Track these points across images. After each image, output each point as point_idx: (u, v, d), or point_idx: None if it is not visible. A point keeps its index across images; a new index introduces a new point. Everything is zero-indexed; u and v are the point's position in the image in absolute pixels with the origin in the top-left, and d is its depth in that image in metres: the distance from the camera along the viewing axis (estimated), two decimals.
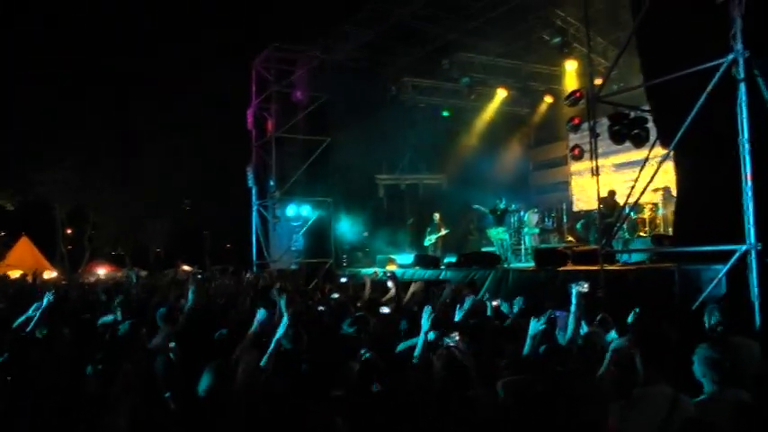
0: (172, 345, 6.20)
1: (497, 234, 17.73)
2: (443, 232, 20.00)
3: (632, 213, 15.22)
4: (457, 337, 4.45)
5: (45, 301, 6.46)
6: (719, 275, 8.04)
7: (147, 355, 5.79)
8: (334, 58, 21.37)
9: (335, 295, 10.51)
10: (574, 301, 5.96)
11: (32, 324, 6.33)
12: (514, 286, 12.99)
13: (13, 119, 32.15)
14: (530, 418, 4.05)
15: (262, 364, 4.96)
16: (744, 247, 7.79)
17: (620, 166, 20.19)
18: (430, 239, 20.01)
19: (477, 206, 19.00)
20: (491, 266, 15.63)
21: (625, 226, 15.07)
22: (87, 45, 33.83)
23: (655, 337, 4.37)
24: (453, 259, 17.70)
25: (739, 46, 8.01)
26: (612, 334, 6.14)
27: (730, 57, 8.08)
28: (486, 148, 23.76)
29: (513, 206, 18.20)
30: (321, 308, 8.79)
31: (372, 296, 9.96)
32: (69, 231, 39.00)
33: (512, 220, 17.76)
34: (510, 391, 4.22)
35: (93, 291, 13.50)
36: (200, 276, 16.65)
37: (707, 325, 5.53)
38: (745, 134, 7.92)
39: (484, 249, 19.13)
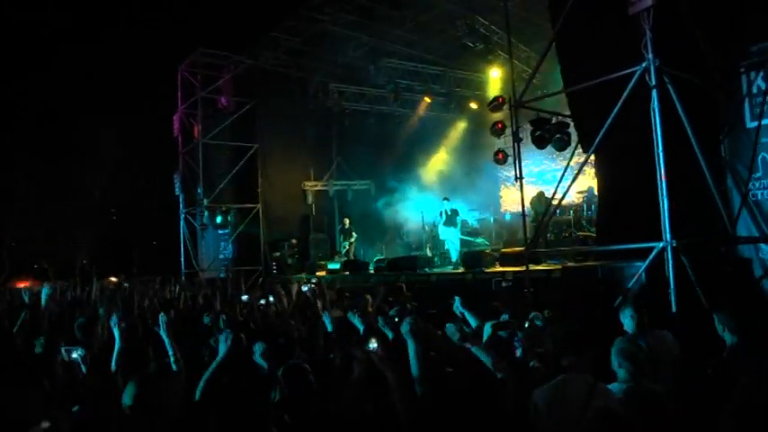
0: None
1: (449, 235, 17.55)
2: (353, 237, 20.19)
3: (558, 213, 15.64)
4: (375, 344, 4.53)
5: None
6: (639, 271, 8.42)
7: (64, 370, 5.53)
8: (260, 64, 21.34)
9: (263, 301, 10.51)
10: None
11: None
12: (441, 289, 13.21)
13: None
14: (448, 413, 4.15)
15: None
16: (661, 244, 8.19)
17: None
18: (344, 245, 20.16)
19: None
20: (420, 270, 15.92)
21: (550, 227, 15.53)
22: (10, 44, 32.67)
23: (572, 331, 4.60)
24: (382, 264, 17.89)
25: (650, 55, 8.44)
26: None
27: (643, 65, 8.50)
28: (413, 154, 24.04)
29: (459, 207, 18.18)
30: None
31: (298, 303, 10.00)
32: None
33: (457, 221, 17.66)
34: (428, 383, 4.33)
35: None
36: (126, 286, 16.33)
37: (625, 320, 5.80)
38: (659, 137, 8.34)
39: (412, 254, 19.38)
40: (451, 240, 17.46)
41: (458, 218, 17.48)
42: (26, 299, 9.87)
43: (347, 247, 20.14)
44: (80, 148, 33.17)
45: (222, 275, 21.88)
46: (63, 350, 4.92)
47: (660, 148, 8.31)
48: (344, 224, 20.46)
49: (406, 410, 3.99)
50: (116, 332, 5.38)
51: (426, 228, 19.36)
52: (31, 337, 6.58)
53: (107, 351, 5.95)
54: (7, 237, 35.60)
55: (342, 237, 20.25)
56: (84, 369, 5.39)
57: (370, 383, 4.63)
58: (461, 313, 6.69)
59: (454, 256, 17.14)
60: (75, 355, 4.96)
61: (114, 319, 5.66)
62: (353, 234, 20.18)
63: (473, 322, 6.43)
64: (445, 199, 17.73)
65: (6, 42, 31.94)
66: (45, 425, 4.24)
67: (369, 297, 9.86)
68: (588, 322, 5.82)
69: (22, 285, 29.55)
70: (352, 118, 23.86)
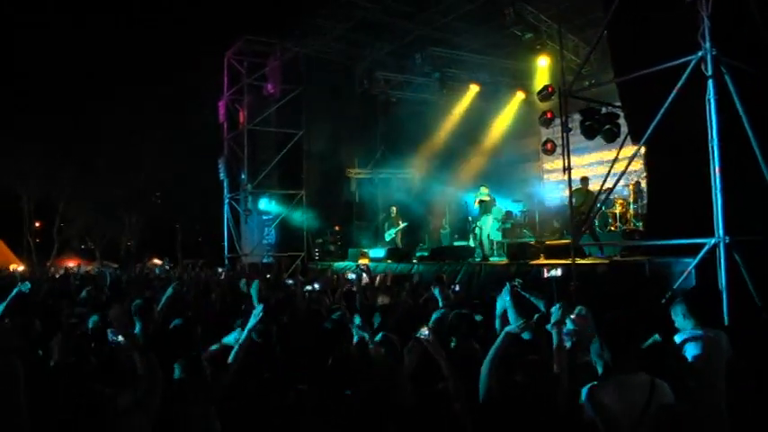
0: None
1: (483, 223, 17.01)
2: (402, 225, 20.00)
3: (603, 207, 15.37)
4: (426, 331, 4.45)
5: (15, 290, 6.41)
6: (689, 268, 8.18)
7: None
8: (306, 51, 21.34)
9: (308, 288, 10.53)
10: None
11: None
12: (486, 280, 13.08)
13: None
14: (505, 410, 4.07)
15: (230, 360, 4.90)
16: (713, 241, 7.95)
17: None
18: (390, 234, 19.97)
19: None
20: (462, 260, 15.77)
21: (597, 220, 15.25)
22: (55, 31, 33.33)
23: (622, 328, 4.43)
24: (425, 253, 17.76)
25: (707, 44, 8.16)
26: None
27: (699, 54, 8.23)
28: (458, 143, 23.83)
29: (499, 197, 17.89)
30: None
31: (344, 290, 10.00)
32: (38, 225, 38.29)
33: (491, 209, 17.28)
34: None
35: (64, 281, 13.33)
36: (168, 269, 16.59)
37: (676, 317, 5.61)
38: (713, 129, 8.08)
39: (456, 243, 19.22)
40: (486, 229, 17.01)
41: (493, 206, 17.07)
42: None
43: (393, 235, 19.97)
44: (126, 132, 33.73)
45: (266, 260, 22.06)
46: (110, 332, 4.95)
47: (715, 140, 8.06)
48: (391, 212, 20.29)
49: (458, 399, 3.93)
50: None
51: (470, 217, 19.16)
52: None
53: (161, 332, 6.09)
54: (56, 217, 36.44)
55: (387, 225, 20.08)
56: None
57: (422, 371, 4.58)
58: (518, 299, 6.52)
59: (487, 246, 16.87)
60: (120, 338, 4.99)
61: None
62: (401, 222, 19.99)
63: (541, 306, 6.31)
64: (482, 186, 17.35)
65: (62, 27, 32.65)
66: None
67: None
68: (637, 318, 5.63)
69: (69, 264, 30.30)
70: (397, 106, 23.72)
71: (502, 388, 4.08)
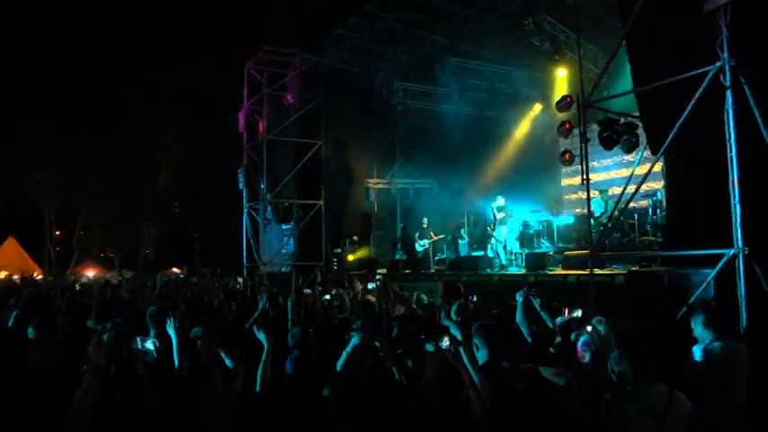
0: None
1: (498, 235, 17.22)
2: (436, 237, 19.99)
3: (622, 218, 15.30)
4: (447, 341, 4.47)
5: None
6: (708, 279, 8.15)
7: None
8: (326, 61, 21.46)
9: (327, 297, 10.61)
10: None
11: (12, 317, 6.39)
12: (502, 290, 13.05)
13: (1, 117, 31.99)
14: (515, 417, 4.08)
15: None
16: (732, 251, 7.91)
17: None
18: (422, 244, 19.95)
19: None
20: (480, 270, 15.78)
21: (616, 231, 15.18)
22: (77, 43, 33.73)
23: (641, 339, 4.42)
24: (443, 263, 17.76)
25: (726, 54, 8.14)
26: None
27: (717, 64, 8.21)
28: (477, 153, 23.84)
29: (517, 207, 17.94)
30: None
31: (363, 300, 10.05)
32: (58, 233, 38.71)
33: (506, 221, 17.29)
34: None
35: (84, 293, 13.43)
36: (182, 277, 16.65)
37: (696, 327, 5.60)
38: (732, 140, 8.05)
39: (474, 254, 19.21)
40: (500, 240, 17.09)
41: (508, 218, 17.11)
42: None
43: (426, 246, 19.94)
44: (146, 141, 34.06)
45: (284, 269, 22.14)
46: (138, 339, 5.04)
47: (734, 151, 8.03)
48: (423, 223, 20.29)
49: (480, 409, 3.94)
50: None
51: (488, 227, 19.15)
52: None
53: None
54: (76, 226, 36.84)
55: (418, 235, 20.07)
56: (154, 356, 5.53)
57: (443, 381, 4.60)
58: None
59: (503, 256, 16.86)
60: (148, 344, 5.08)
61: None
62: (432, 234, 19.93)
63: (547, 319, 6.36)
64: (498, 197, 17.40)
65: (83, 34, 33.00)
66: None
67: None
68: (655, 329, 5.62)
69: (88, 272, 30.57)
70: (416, 116, 23.81)
71: (501, 396, 4.09)
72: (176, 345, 5.06)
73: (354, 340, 4.96)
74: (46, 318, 6.82)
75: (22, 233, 31.84)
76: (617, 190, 12.39)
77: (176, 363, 4.97)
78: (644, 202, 16.68)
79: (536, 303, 6.60)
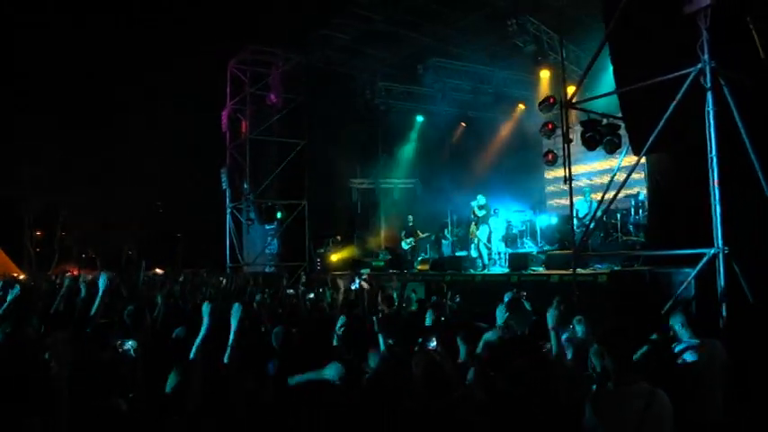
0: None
1: (481, 234, 16.97)
2: (422, 235, 20.00)
3: (605, 218, 15.40)
4: (434, 342, 4.50)
5: (11, 295, 6.42)
6: (689, 278, 8.23)
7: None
8: (309, 61, 21.44)
9: (311, 296, 10.61)
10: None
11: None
12: (485, 290, 13.12)
13: None
14: (504, 413, 4.11)
15: (225, 360, 4.82)
16: (712, 251, 7.99)
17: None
18: (408, 242, 19.97)
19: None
20: (463, 270, 15.83)
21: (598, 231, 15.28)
22: (60, 42, 33.39)
23: (621, 338, 4.47)
24: (426, 263, 17.81)
25: (706, 56, 8.22)
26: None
27: (698, 66, 8.29)
28: (460, 153, 23.92)
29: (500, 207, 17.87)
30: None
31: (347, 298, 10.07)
32: (39, 233, 38.25)
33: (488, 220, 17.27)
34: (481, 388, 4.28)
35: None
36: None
37: (675, 326, 5.66)
38: (712, 141, 8.13)
39: (457, 254, 19.26)
40: (483, 240, 16.90)
41: (490, 216, 16.94)
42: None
43: (412, 244, 19.94)
44: (129, 141, 33.78)
45: (268, 269, 22.10)
46: (118, 341, 5.01)
47: (714, 152, 8.10)
48: (408, 221, 20.29)
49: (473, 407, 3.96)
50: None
51: (471, 227, 19.19)
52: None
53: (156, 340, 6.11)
54: (57, 225, 36.47)
55: (404, 234, 20.08)
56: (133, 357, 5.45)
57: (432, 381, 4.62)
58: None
59: (485, 257, 16.73)
60: (127, 346, 5.05)
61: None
62: (418, 232, 19.92)
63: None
64: (479, 196, 17.17)
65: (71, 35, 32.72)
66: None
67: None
68: (636, 327, 5.68)
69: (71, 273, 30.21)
70: (399, 116, 23.83)
71: (488, 392, 4.11)
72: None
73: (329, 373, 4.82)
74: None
75: (1, 234, 31.43)
76: (599, 187, 12.43)
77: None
78: (626, 203, 16.80)
79: (527, 305, 6.65)
